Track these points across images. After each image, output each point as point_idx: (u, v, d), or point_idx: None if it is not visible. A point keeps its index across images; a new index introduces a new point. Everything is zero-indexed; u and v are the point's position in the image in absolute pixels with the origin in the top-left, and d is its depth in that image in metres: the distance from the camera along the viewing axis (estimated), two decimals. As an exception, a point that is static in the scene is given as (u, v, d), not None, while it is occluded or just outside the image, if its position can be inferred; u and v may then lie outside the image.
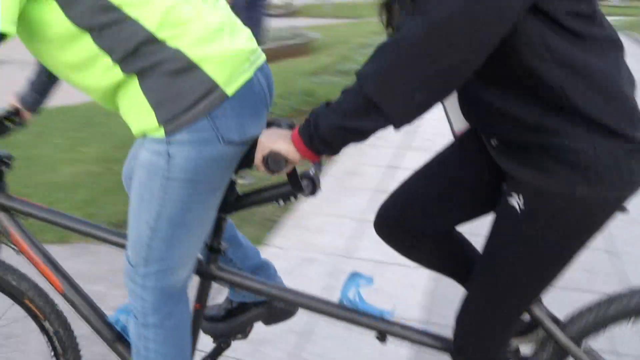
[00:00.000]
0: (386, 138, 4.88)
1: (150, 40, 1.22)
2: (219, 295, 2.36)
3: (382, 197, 1.57)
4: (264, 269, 1.75)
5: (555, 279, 1.30)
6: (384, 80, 1.10)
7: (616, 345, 2.18)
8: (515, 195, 1.24)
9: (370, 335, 1.54)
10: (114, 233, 1.54)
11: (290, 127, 1.30)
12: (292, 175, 1.31)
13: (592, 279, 2.75)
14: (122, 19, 1.21)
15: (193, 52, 1.24)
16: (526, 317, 1.46)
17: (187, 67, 1.23)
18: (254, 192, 1.43)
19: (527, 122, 1.18)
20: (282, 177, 1.33)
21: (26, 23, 1.24)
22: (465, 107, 1.34)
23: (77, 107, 5.61)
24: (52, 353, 1.65)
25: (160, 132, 1.26)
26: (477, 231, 1.55)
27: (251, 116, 1.33)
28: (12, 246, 1.58)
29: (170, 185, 1.28)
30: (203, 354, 1.69)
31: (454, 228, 1.57)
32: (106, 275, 2.76)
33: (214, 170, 1.30)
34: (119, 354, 1.57)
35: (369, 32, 11.04)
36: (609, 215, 1.23)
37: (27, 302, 1.60)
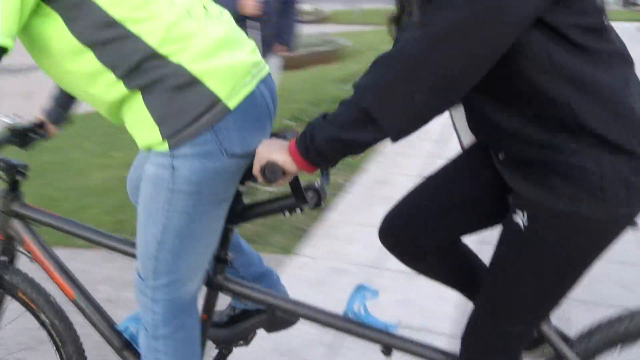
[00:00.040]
0: (417, 147, 4.85)
1: (153, 56, 1.24)
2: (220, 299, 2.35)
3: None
4: (267, 276, 1.76)
5: (563, 298, 1.27)
6: (380, 92, 1.09)
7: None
8: (519, 212, 1.22)
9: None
10: (126, 242, 1.56)
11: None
12: (295, 187, 1.31)
13: (629, 296, 2.68)
14: (124, 35, 1.23)
15: (195, 67, 1.25)
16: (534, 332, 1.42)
17: (190, 82, 1.25)
18: (261, 203, 1.44)
19: (531, 138, 1.16)
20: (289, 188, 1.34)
21: (31, 37, 1.27)
22: (471, 122, 1.32)
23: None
24: (54, 348, 1.67)
25: (165, 146, 1.27)
26: (488, 239, 1.52)
27: (254, 129, 1.34)
28: (26, 253, 1.63)
29: (174, 197, 1.30)
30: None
31: (460, 240, 1.56)
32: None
33: (217, 182, 1.31)
34: None
35: (400, 39, 10.98)
36: (616, 233, 1.20)
37: (20, 295, 1.64)
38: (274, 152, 1.20)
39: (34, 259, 1.61)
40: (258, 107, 1.35)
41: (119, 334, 1.59)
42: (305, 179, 1.30)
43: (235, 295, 1.52)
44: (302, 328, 1.83)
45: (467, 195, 1.46)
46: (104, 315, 1.60)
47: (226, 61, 1.29)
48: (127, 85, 1.26)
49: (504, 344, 1.34)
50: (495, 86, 1.16)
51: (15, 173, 1.59)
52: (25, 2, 1.18)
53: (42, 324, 1.65)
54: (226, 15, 1.43)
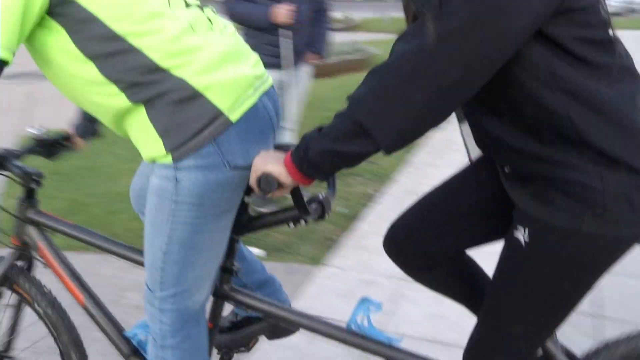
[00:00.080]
0: (447, 157, 4.80)
1: (155, 70, 1.26)
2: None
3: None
4: (270, 284, 1.78)
5: (567, 315, 1.25)
6: (373, 104, 1.09)
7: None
8: (520, 228, 1.20)
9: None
10: (136, 251, 1.58)
11: None
12: (297, 198, 1.32)
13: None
14: (126, 49, 1.25)
15: (197, 81, 1.27)
16: (538, 350, 1.38)
17: (192, 96, 1.27)
18: (266, 214, 1.46)
19: (532, 152, 1.15)
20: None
21: (36, 47, 1.30)
22: (475, 135, 1.31)
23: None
24: (54, 339, 1.70)
25: (168, 159, 1.30)
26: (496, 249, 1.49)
27: (257, 141, 1.35)
28: (40, 259, 1.68)
29: (178, 209, 1.32)
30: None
31: (464, 252, 1.55)
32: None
33: (220, 194, 1.33)
34: None
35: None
36: (620, 252, 1.17)
37: (14, 287, 1.68)
38: (270, 163, 1.21)
39: (47, 265, 1.65)
40: (260, 120, 1.37)
41: (127, 340, 1.62)
42: (319, 188, 1.29)
43: (241, 305, 1.54)
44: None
45: (472, 207, 1.45)
46: (113, 321, 1.63)
47: (229, 75, 1.31)
48: (130, 98, 1.28)
49: None
50: (496, 99, 1.15)
51: (30, 181, 1.64)
52: (28, 17, 1.20)
53: (38, 314, 1.70)
54: (230, 29, 1.46)
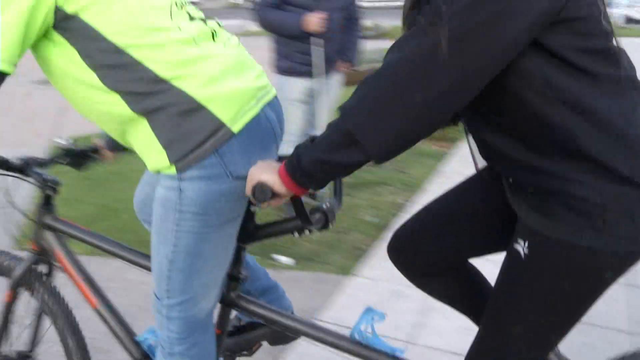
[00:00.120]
0: (481, 167, 4.74)
1: (156, 82, 1.29)
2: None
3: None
4: (273, 290, 1.81)
5: (568, 329, 1.24)
6: (363, 113, 1.10)
7: None
8: (521, 241, 1.21)
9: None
10: (148, 258, 1.59)
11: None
12: (298, 208, 1.34)
13: None
14: (128, 61, 1.28)
15: (198, 93, 1.30)
16: None
17: (194, 108, 1.30)
18: (272, 223, 1.48)
19: (532, 164, 1.14)
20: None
21: (42, 58, 1.34)
22: (478, 146, 1.31)
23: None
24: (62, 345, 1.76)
25: (173, 170, 1.33)
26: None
27: (259, 151, 1.38)
28: (56, 264, 1.74)
29: (183, 218, 1.35)
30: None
31: (466, 261, 1.55)
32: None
33: (223, 203, 1.36)
34: None
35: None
36: (622, 268, 1.16)
37: (7, 271, 1.75)
38: (265, 173, 1.22)
39: (63, 269, 1.71)
40: (263, 130, 1.40)
41: (137, 344, 1.67)
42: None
43: (247, 313, 1.56)
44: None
45: (476, 216, 1.46)
46: (125, 325, 1.68)
47: (230, 86, 1.34)
48: (132, 108, 1.31)
49: None
50: (496, 111, 1.15)
51: (47, 188, 1.70)
52: (30, 31, 1.24)
53: (51, 318, 1.76)
54: (234, 40, 1.49)
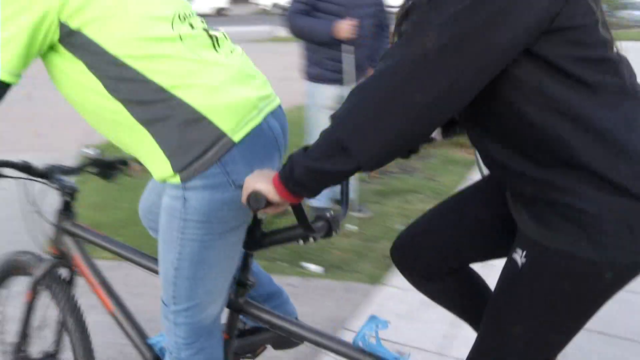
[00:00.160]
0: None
1: (157, 92, 1.32)
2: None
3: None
4: (277, 296, 1.86)
5: (566, 341, 1.23)
6: (353, 122, 1.11)
7: None
8: (519, 250, 1.21)
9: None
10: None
11: None
12: (299, 215, 1.35)
13: None
14: (129, 72, 1.31)
15: (199, 103, 1.33)
16: None
17: (195, 118, 1.33)
18: (277, 231, 1.50)
19: (529, 174, 1.14)
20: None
21: (51, 70, 1.38)
22: (480, 156, 1.32)
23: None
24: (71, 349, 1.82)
25: (177, 179, 1.36)
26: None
27: (262, 161, 1.40)
28: (74, 269, 1.81)
29: (187, 226, 1.39)
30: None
31: (467, 266, 1.57)
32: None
33: (226, 212, 1.38)
34: None
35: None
36: (621, 281, 1.15)
37: (30, 270, 1.83)
38: (259, 182, 1.24)
39: (80, 273, 1.78)
40: (265, 140, 1.43)
41: (150, 347, 1.72)
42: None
43: (254, 318, 1.59)
44: None
45: (478, 222, 1.47)
46: (138, 328, 1.74)
47: (232, 97, 1.36)
48: (136, 118, 1.35)
49: None
50: (492, 121, 1.16)
51: (65, 194, 1.76)
52: (33, 45, 1.28)
53: (61, 319, 1.83)
54: (238, 50, 1.52)
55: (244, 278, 1.57)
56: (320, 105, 3.55)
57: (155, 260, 1.65)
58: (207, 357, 1.53)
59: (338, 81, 3.52)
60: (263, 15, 37.04)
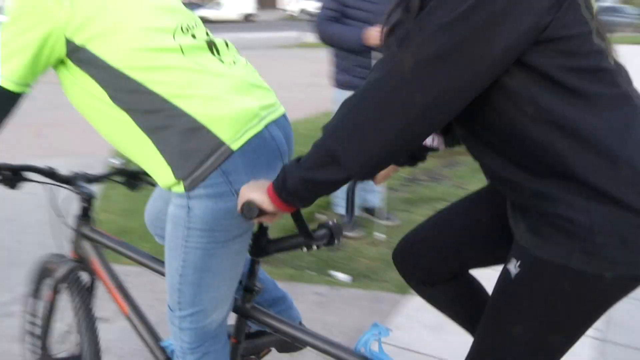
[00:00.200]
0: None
1: (159, 102, 1.37)
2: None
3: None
4: (282, 301, 1.91)
5: (561, 354, 1.22)
6: (343, 132, 1.13)
7: None
8: (513, 260, 1.21)
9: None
10: None
11: None
12: (299, 224, 1.40)
13: None
14: (132, 83, 1.37)
15: (199, 113, 1.37)
16: None
17: (195, 128, 1.37)
18: (282, 238, 1.53)
19: (522, 185, 1.15)
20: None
21: (62, 81, 1.46)
22: (480, 166, 1.33)
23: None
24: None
25: (181, 188, 1.40)
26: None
27: (264, 170, 1.43)
28: (92, 273, 1.89)
29: (191, 235, 1.43)
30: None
31: (467, 272, 1.59)
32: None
33: (229, 221, 1.41)
34: None
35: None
36: (617, 293, 1.14)
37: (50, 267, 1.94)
38: (254, 192, 1.27)
39: (97, 277, 1.85)
40: (267, 149, 1.45)
41: (162, 349, 1.78)
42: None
43: (260, 324, 1.63)
44: None
45: (480, 228, 1.48)
46: (152, 331, 1.80)
47: (232, 106, 1.40)
48: (140, 127, 1.40)
49: None
50: (485, 130, 1.17)
51: (83, 200, 1.84)
52: (40, 59, 1.37)
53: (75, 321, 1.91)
54: (242, 61, 1.56)
55: (250, 284, 1.61)
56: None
57: None
58: None
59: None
60: (290, 21, 37.28)
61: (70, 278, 1.89)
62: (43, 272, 2.02)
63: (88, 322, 1.87)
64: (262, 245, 1.55)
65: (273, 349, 1.95)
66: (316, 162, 1.17)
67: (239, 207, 1.29)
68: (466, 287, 1.60)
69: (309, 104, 7.09)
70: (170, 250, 1.49)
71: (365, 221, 3.90)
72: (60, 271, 1.89)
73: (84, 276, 1.91)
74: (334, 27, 3.42)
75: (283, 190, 1.22)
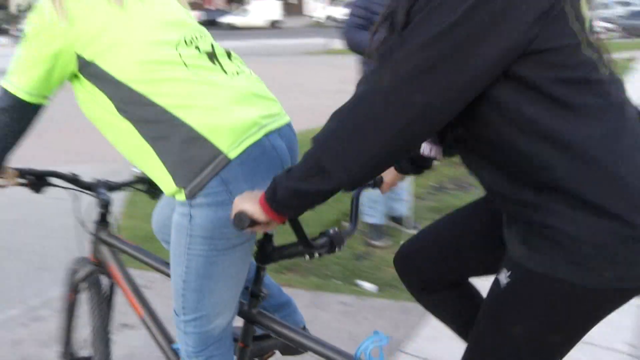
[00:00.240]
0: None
1: (160, 113, 1.43)
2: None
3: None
4: (287, 306, 1.96)
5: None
6: (332, 143, 1.15)
7: None
8: (504, 270, 1.22)
9: None
10: None
11: None
12: (297, 232, 1.42)
13: None
14: (135, 95, 1.43)
15: (199, 124, 1.42)
16: None
17: (194, 137, 1.42)
18: (286, 246, 1.55)
19: (510, 194, 1.16)
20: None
21: (77, 95, 1.54)
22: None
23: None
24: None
25: (183, 196, 1.45)
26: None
27: (264, 179, 1.42)
28: (109, 277, 1.95)
29: (193, 242, 1.48)
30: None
31: (466, 280, 1.61)
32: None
33: (230, 229, 1.44)
34: None
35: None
36: (607, 305, 1.15)
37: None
38: (246, 202, 1.28)
39: (114, 281, 1.93)
40: (268, 159, 1.48)
41: (175, 351, 1.83)
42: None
43: (265, 328, 1.67)
44: None
45: (480, 236, 1.49)
46: (166, 333, 1.85)
47: (231, 117, 1.44)
48: (143, 136, 1.46)
49: None
50: (471, 141, 1.18)
51: (100, 206, 1.91)
52: (54, 73, 1.47)
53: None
54: (246, 71, 1.60)
55: (257, 290, 1.64)
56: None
57: None
58: None
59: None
60: (317, 27, 37.43)
61: (88, 280, 1.96)
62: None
63: (101, 324, 1.93)
64: (267, 252, 1.59)
65: (276, 351, 1.99)
66: (305, 172, 1.18)
67: (231, 217, 1.32)
68: (465, 296, 1.61)
69: (335, 111, 7.19)
70: (174, 257, 1.55)
71: (392, 230, 3.87)
72: (81, 272, 1.98)
73: (104, 280, 1.98)
74: (361, 34, 3.41)
75: (274, 201, 1.24)
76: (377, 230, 3.72)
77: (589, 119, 1.07)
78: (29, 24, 1.46)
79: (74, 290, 2.03)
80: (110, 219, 1.94)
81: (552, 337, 1.19)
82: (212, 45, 1.58)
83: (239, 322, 1.69)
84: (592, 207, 1.06)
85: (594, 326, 1.18)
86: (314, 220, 3.80)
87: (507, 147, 1.12)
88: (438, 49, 1.03)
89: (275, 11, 40.75)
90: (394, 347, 2.59)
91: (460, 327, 1.63)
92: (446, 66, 1.04)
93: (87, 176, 1.99)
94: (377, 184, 1.78)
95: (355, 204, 1.63)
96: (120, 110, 1.46)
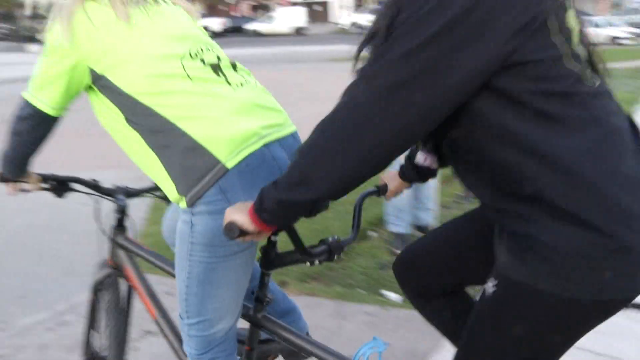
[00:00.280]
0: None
1: (163, 124, 1.50)
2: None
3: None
4: (291, 312, 2.01)
5: None
6: (314, 154, 1.17)
7: None
8: (491, 279, 1.22)
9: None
10: None
11: None
12: (294, 240, 1.46)
13: None
14: (140, 107, 1.50)
15: (199, 134, 1.48)
16: None
17: (194, 147, 1.48)
18: (289, 252, 1.58)
19: (493, 204, 1.17)
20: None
21: (93, 105, 1.62)
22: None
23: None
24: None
25: (185, 204, 1.51)
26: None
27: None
28: (125, 279, 2.00)
29: (194, 249, 1.54)
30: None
31: (463, 290, 1.62)
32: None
33: None
34: None
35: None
36: (591, 318, 1.15)
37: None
38: (236, 213, 1.31)
39: (130, 284, 2.00)
40: (267, 168, 1.52)
41: (186, 353, 1.82)
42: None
43: (270, 333, 1.70)
44: None
45: (477, 244, 1.48)
46: (178, 335, 1.89)
47: (232, 128, 1.49)
48: (149, 145, 1.54)
49: None
50: (454, 152, 1.20)
51: (117, 211, 1.99)
52: (71, 86, 1.56)
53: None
54: (250, 82, 1.64)
55: (262, 295, 1.68)
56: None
57: None
58: None
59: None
60: (342, 34, 37.48)
61: (105, 282, 2.03)
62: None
63: (115, 325, 1.98)
64: (271, 259, 1.62)
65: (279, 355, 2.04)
66: (290, 183, 1.20)
67: (222, 227, 1.34)
68: (461, 305, 1.62)
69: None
70: (178, 263, 1.61)
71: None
72: (99, 274, 2.06)
73: (122, 284, 2.03)
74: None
75: (261, 211, 1.26)
76: (402, 239, 3.70)
77: (570, 130, 1.08)
78: (47, 40, 1.54)
79: (93, 291, 2.10)
80: (127, 223, 2.01)
81: (537, 347, 1.19)
82: (218, 57, 1.63)
83: (244, 323, 1.73)
84: (572, 218, 1.07)
85: (580, 337, 1.19)
86: (338, 229, 3.80)
87: (489, 157, 1.13)
88: (414, 63, 1.04)
89: (300, 18, 40.94)
90: (420, 359, 2.56)
91: (454, 336, 1.63)
92: (422, 80, 1.04)
93: (110, 182, 2.05)
94: (382, 191, 1.79)
95: (357, 212, 1.65)
96: (129, 121, 1.54)
